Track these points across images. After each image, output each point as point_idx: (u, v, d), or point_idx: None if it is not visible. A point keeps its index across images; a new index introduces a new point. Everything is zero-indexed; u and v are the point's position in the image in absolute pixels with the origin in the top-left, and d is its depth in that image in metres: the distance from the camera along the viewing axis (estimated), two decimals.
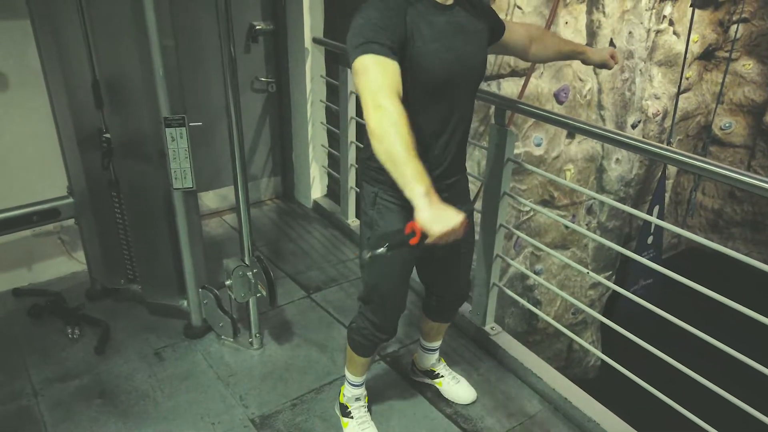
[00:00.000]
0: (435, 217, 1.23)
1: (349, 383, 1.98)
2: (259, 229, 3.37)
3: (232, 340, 2.40)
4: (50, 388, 2.15)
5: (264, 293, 2.25)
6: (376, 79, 1.32)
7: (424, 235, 1.24)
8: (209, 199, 3.47)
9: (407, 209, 1.60)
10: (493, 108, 2.35)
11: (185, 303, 2.45)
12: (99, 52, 2.15)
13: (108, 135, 2.25)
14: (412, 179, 1.24)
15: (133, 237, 2.46)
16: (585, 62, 2.05)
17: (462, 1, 1.55)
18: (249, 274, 2.23)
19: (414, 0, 1.44)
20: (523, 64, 3.17)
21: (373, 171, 1.62)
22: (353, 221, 3.31)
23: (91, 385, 2.17)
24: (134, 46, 2.09)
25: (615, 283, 4.42)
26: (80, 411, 2.05)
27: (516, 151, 3.32)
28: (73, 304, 2.55)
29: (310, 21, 3.21)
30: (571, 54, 2.02)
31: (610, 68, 2.03)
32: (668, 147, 1.73)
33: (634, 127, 3.97)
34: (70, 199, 2.49)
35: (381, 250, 1.30)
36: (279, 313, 2.61)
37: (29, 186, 2.50)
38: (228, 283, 2.24)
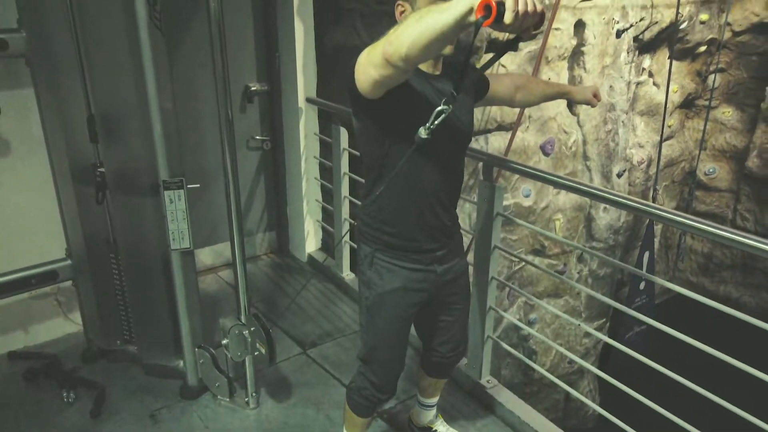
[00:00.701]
0: None
1: None
2: (255, 284, 3.39)
3: (228, 400, 2.39)
4: None
5: (263, 351, 2.26)
6: (383, 38, 1.27)
7: (500, 11, 1.09)
8: (205, 256, 3.50)
9: (405, 269, 1.65)
10: (481, 163, 2.43)
11: (181, 363, 2.45)
12: (95, 86, 2.20)
13: (102, 169, 2.29)
14: (453, 1, 1.11)
15: (131, 298, 2.48)
16: (570, 101, 2.16)
17: (449, 69, 1.64)
18: (246, 332, 2.24)
19: None
20: (509, 119, 3.28)
21: (369, 231, 1.66)
22: (348, 275, 3.34)
23: None
24: (130, 79, 2.13)
25: (609, 330, 4.43)
26: None
27: (505, 203, 3.39)
28: (69, 366, 2.55)
29: (304, 81, 3.33)
30: (555, 95, 2.12)
31: (593, 106, 2.13)
32: (653, 204, 1.79)
33: (619, 176, 4.07)
34: (69, 261, 2.52)
35: (445, 107, 1.24)
36: (275, 371, 2.61)
37: (28, 249, 2.53)
38: (225, 342, 2.25)
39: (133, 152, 2.26)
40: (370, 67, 1.32)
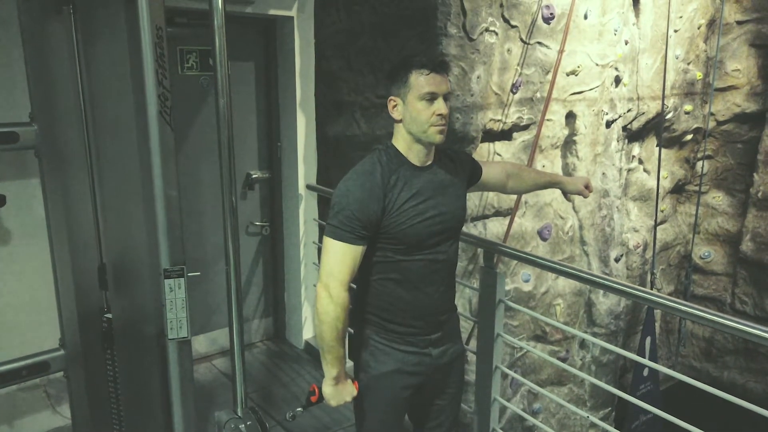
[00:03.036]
0: (335, 394, 1.64)
1: None
2: (250, 373, 3.29)
3: None
4: None
5: None
6: (337, 265, 1.55)
7: (321, 397, 1.68)
8: (199, 344, 3.43)
9: (400, 351, 1.64)
10: (482, 250, 2.45)
11: None
12: (108, 235, 2.25)
13: (109, 315, 2.29)
14: (330, 363, 1.61)
15: (123, 389, 2.40)
16: (562, 191, 2.21)
17: (442, 158, 1.70)
18: (242, 426, 2.16)
19: (396, 167, 1.60)
20: (506, 205, 3.34)
21: (364, 315, 1.67)
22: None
23: None
24: (143, 231, 2.19)
25: (615, 420, 4.29)
26: None
27: (506, 288, 3.39)
28: None
29: (304, 169, 3.41)
30: (547, 185, 2.18)
31: (585, 197, 2.18)
32: (652, 291, 1.80)
33: (617, 260, 4.09)
34: (61, 352, 2.45)
35: (299, 410, 1.72)
36: None
37: (21, 339, 2.48)
38: None
39: (142, 294, 2.28)
40: (321, 259, 1.64)
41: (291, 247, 3.57)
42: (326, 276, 1.55)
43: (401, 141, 1.65)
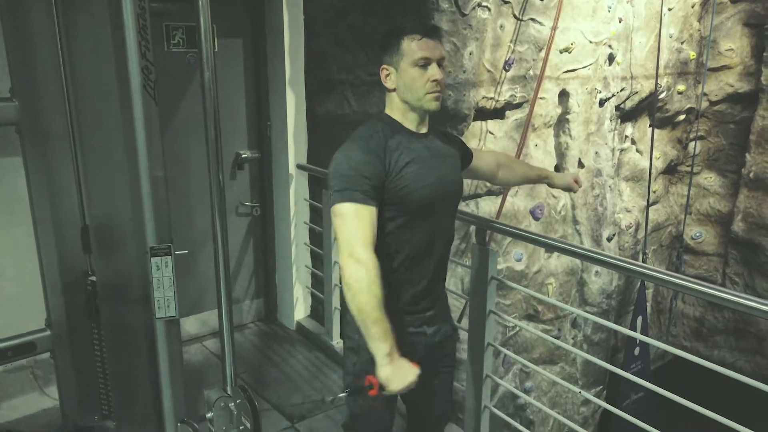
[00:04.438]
0: (394, 375, 1.40)
1: None
2: (241, 354, 3.28)
3: None
4: None
5: (248, 426, 2.15)
6: (354, 228, 1.44)
7: (381, 387, 1.43)
8: (189, 325, 3.40)
9: (394, 331, 1.61)
10: (473, 227, 2.42)
11: None
12: (91, 197, 2.19)
13: (93, 278, 2.25)
14: (378, 338, 1.40)
15: (111, 369, 2.37)
16: (550, 186, 2.19)
17: (434, 131, 1.67)
18: (231, 405, 2.14)
19: (393, 133, 1.56)
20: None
21: None
22: (338, 342, 3.25)
23: None
24: (126, 191, 2.14)
25: (606, 398, 4.31)
26: None
27: (498, 267, 3.37)
28: None
29: (295, 148, 3.37)
30: (536, 179, 2.16)
31: (574, 191, 2.16)
32: (644, 264, 1.78)
33: (609, 240, 4.09)
34: (48, 332, 2.42)
35: (342, 394, 1.50)
36: None
37: (5, 319, 2.44)
38: (209, 416, 2.14)
39: (126, 258, 2.24)
40: (337, 235, 1.50)
41: (282, 228, 3.54)
42: (347, 244, 1.43)
43: (396, 110, 1.61)
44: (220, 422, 2.14)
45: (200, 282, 3.26)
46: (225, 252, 2.14)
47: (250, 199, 3.53)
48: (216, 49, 2.97)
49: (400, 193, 1.53)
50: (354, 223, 1.44)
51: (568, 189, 2.11)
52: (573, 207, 3.75)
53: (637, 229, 4.47)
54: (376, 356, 1.41)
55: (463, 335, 2.46)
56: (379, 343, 1.40)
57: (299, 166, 3.38)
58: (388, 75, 1.59)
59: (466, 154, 1.86)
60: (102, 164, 2.20)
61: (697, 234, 5.10)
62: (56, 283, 2.35)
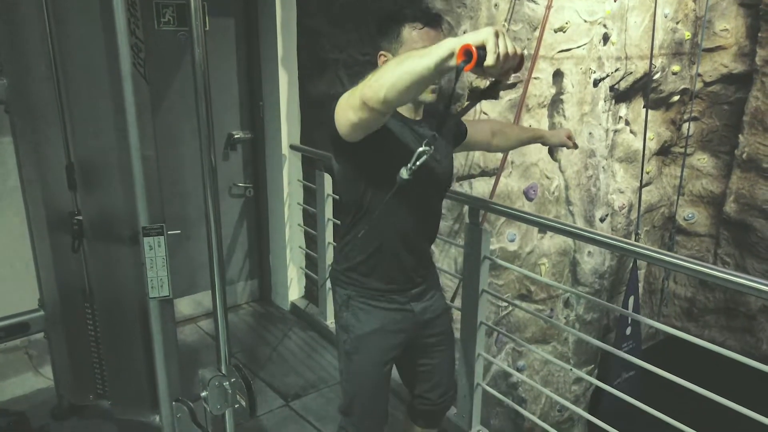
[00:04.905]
0: (481, 32, 1.08)
1: None
2: (236, 334, 3.29)
3: None
4: None
5: (243, 403, 2.17)
6: (362, 82, 1.28)
7: (480, 56, 1.07)
8: (184, 305, 3.41)
9: (382, 309, 1.62)
10: (466, 207, 2.43)
11: (157, 418, 2.33)
12: (76, 134, 2.17)
13: (80, 217, 2.23)
14: (431, 48, 1.12)
15: (105, 349, 2.38)
16: (545, 144, 2.19)
17: (428, 117, 1.66)
18: (226, 384, 2.15)
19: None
20: (492, 164, 3.31)
21: (344, 273, 1.65)
22: (332, 322, 3.27)
23: None
24: (111, 128, 2.11)
25: (597, 377, 4.36)
26: None
27: (491, 247, 3.38)
28: (37, 424, 2.41)
29: (288, 129, 3.35)
30: (531, 139, 2.17)
31: (568, 147, 2.15)
32: (636, 243, 1.79)
33: (602, 220, 4.10)
34: (41, 312, 2.42)
35: (425, 148, 1.18)
36: (256, 425, 2.50)
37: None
38: (203, 394, 2.15)
39: (112, 201, 2.22)
40: (348, 110, 1.32)
41: (275, 209, 3.53)
42: (362, 85, 1.25)
43: None
44: (215, 401, 2.16)
45: (194, 263, 3.26)
46: (218, 233, 2.14)
47: (244, 180, 3.52)
48: (207, 28, 2.93)
49: (388, 175, 1.52)
50: (361, 83, 1.29)
51: (562, 145, 2.11)
52: (566, 188, 3.75)
53: (630, 210, 4.48)
54: (446, 46, 1.09)
55: (456, 315, 2.47)
56: (433, 47, 1.12)
57: (292, 147, 3.37)
58: (385, 61, 1.56)
59: (461, 132, 1.85)
60: (93, 147, 2.18)
61: (690, 215, 5.13)
62: (49, 273, 2.34)
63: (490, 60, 1.06)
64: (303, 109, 3.37)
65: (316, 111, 3.32)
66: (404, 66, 1.15)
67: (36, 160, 2.24)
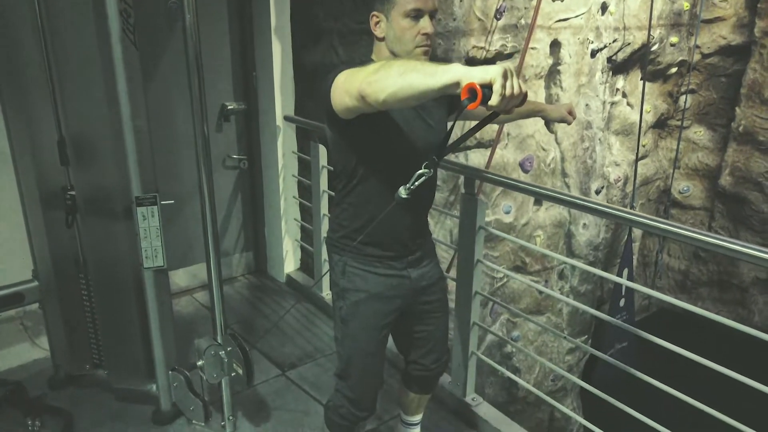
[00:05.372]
0: (485, 67, 1.08)
1: None
2: (231, 306, 3.30)
3: (203, 424, 2.29)
4: None
5: (240, 372, 2.18)
6: (365, 71, 1.30)
7: (485, 95, 1.07)
8: (179, 278, 3.41)
9: (378, 275, 1.62)
10: (462, 178, 2.42)
11: (154, 387, 2.35)
12: (66, 108, 2.14)
13: (73, 192, 2.22)
14: (439, 66, 1.13)
15: (101, 319, 2.38)
16: (545, 119, 2.16)
17: None
18: (222, 353, 2.16)
19: None
20: (488, 136, 3.29)
21: (340, 239, 1.64)
22: (327, 294, 3.28)
23: None
24: (103, 102, 2.08)
25: (590, 347, 4.41)
26: None
27: (486, 219, 3.38)
28: (35, 393, 2.42)
29: (282, 100, 3.31)
30: (530, 113, 2.13)
31: (568, 123, 2.13)
32: (632, 210, 1.79)
33: (597, 193, 4.10)
34: (35, 283, 2.41)
35: (425, 171, 1.23)
36: (252, 394, 2.52)
37: None
38: (200, 363, 2.17)
39: (105, 174, 2.20)
40: (345, 95, 1.34)
41: (270, 181, 3.51)
42: (363, 78, 1.25)
43: (383, 59, 1.58)
44: (211, 370, 2.17)
45: (189, 235, 3.25)
46: (212, 205, 2.13)
47: (238, 152, 3.49)
48: None
49: (382, 143, 1.52)
50: (362, 70, 1.32)
51: (562, 121, 2.09)
52: (562, 160, 3.74)
53: (625, 183, 4.48)
54: (455, 74, 1.09)
55: (451, 286, 2.48)
56: (442, 66, 1.12)
57: (287, 118, 3.33)
58: (378, 23, 1.55)
59: (456, 99, 1.83)
60: (84, 118, 2.15)
61: (685, 188, 5.13)
62: (40, 228, 2.33)
63: (494, 101, 1.07)
64: (297, 79, 3.33)
65: (310, 81, 3.28)
66: (408, 79, 1.15)
67: (27, 132, 2.21)
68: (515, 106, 1.12)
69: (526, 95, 1.13)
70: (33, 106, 2.17)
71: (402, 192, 1.26)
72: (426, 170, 1.24)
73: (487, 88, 1.07)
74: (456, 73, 1.09)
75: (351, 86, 1.30)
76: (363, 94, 1.24)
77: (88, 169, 2.21)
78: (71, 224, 2.24)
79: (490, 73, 1.06)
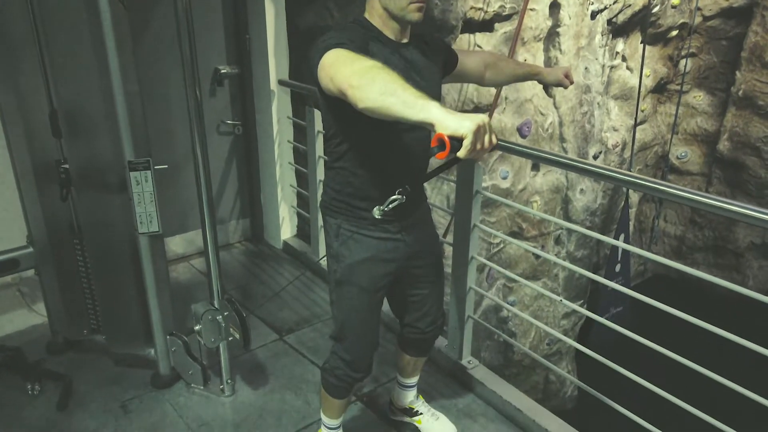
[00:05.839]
0: (461, 117, 1.09)
1: (326, 426, 1.93)
2: (229, 272, 3.30)
3: (202, 387, 2.32)
4: None
5: (237, 336, 2.19)
6: (349, 56, 1.31)
7: (455, 145, 1.09)
8: (176, 244, 3.40)
9: (373, 239, 1.61)
10: None
11: (152, 352, 2.36)
12: (57, 80, 2.10)
13: (66, 165, 2.20)
14: (419, 97, 1.15)
15: (97, 285, 2.38)
16: (541, 82, 2.12)
17: (416, 40, 1.60)
18: (219, 317, 2.17)
19: (373, 37, 1.49)
20: (486, 100, 3.24)
21: (335, 202, 1.63)
22: (324, 260, 3.28)
23: None
24: (95, 72, 2.05)
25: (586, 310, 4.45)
26: None
27: (483, 185, 3.37)
28: (33, 358, 2.44)
29: (275, 63, 3.25)
30: (526, 76, 2.09)
31: (565, 87, 2.10)
32: (630, 173, 1.77)
33: (595, 158, 4.08)
34: (30, 249, 2.40)
35: (395, 198, 1.28)
36: (250, 358, 2.54)
37: None
38: (197, 328, 2.18)
39: (99, 146, 2.17)
40: (329, 82, 1.32)
41: (265, 147, 3.47)
42: (348, 76, 1.24)
43: (376, 17, 1.53)
44: (209, 334, 2.18)
45: (185, 202, 3.23)
46: (206, 170, 2.11)
47: (232, 117, 3.45)
48: None
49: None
50: (349, 54, 1.31)
51: (558, 84, 2.05)
52: (561, 124, 3.71)
53: (623, 149, 4.46)
54: (430, 116, 1.11)
55: (448, 250, 2.48)
56: (423, 102, 1.13)
57: (281, 82, 3.28)
58: None
59: (451, 60, 1.79)
60: (73, 82, 2.10)
61: (683, 154, 5.11)
62: (33, 195, 2.31)
63: (462, 154, 1.09)
64: (291, 42, 3.26)
65: (304, 44, 3.22)
66: (387, 102, 1.16)
67: (14, 90, 2.17)
68: (482, 155, 1.14)
69: (496, 145, 1.16)
70: (22, 77, 2.13)
71: (376, 212, 1.30)
72: (399, 197, 1.28)
73: (457, 140, 1.08)
74: (431, 115, 1.11)
75: (335, 78, 1.29)
76: (346, 92, 1.24)
77: (81, 142, 2.18)
78: (66, 197, 2.22)
79: (464, 128, 1.07)
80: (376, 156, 1.56)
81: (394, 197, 1.27)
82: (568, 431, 2.06)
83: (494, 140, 1.13)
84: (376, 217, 1.28)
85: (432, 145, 1.12)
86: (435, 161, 1.23)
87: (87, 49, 2.03)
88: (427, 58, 1.63)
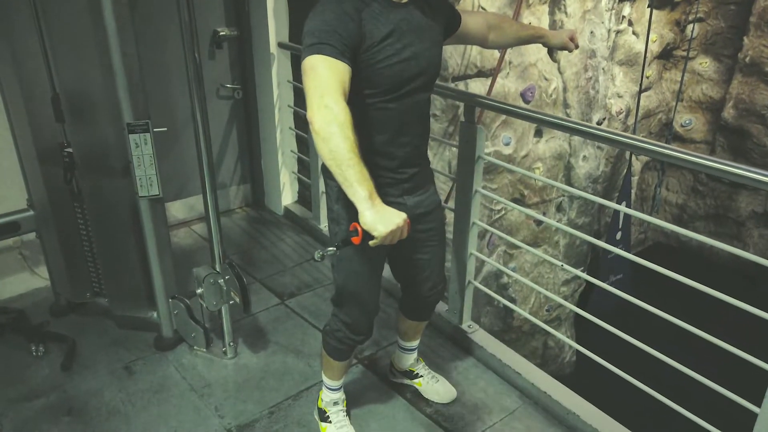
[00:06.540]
0: (378, 219, 1.28)
1: (327, 388, 1.95)
2: (230, 238, 3.31)
3: (205, 350, 2.34)
4: (15, 408, 2.06)
5: (237, 300, 2.21)
6: (324, 79, 1.33)
7: (367, 236, 1.30)
8: (177, 210, 3.40)
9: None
10: (462, 106, 2.36)
11: (155, 314, 2.38)
12: (58, 64, 2.08)
13: (70, 149, 2.18)
14: (356, 182, 1.28)
15: (99, 249, 2.38)
16: (545, 45, 2.09)
17: (416, 0, 1.56)
18: (221, 281, 2.18)
19: (369, 0, 1.45)
20: (489, 64, 3.20)
21: None
22: (325, 226, 3.28)
23: (58, 403, 2.08)
24: (96, 56, 2.02)
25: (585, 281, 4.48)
26: (48, 430, 1.97)
27: (486, 151, 3.35)
28: (37, 321, 2.46)
29: (275, 26, 3.19)
30: (530, 38, 2.05)
31: (570, 50, 2.06)
32: (635, 136, 1.75)
33: (599, 124, 4.04)
34: (31, 212, 2.40)
35: (330, 249, 1.37)
36: (253, 322, 2.56)
37: None
38: (199, 291, 2.19)
39: (102, 127, 2.15)
40: (304, 88, 1.35)
41: (265, 112, 3.43)
42: (317, 96, 1.30)
43: None
44: (211, 297, 2.20)
45: (186, 167, 3.21)
46: (206, 134, 2.08)
47: (231, 81, 3.40)
48: None
49: (373, 67, 1.45)
50: (324, 74, 1.33)
51: (563, 48, 2.01)
52: (564, 90, 3.66)
53: (627, 116, 4.41)
54: (356, 202, 1.29)
55: (450, 216, 2.48)
56: (357, 186, 1.28)
57: (281, 45, 3.22)
58: None
59: (453, 20, 1.75)
60: (71, 47, 2.06)
61: (687, 121, 5.06)
62: (33, 160, 2.30)
63: (372, 243, 1.30)
64: (291, 3, 3.20)
65: (305, 5, 3.15)
66: (333, 166, 1.28)
67: (12, 58, 2.13)
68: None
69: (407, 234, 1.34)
70: (24, 60, 2.10)
71: (316, 255, 1.36)
72: (333, 249, 1.38)
73: (370, 235, 1.29)
74: (358, 205, 1.29)
75: (306, 94, 1.34)
76: (312, 121, 1.30)
77: (83, 125, 2.16)
78: (70, 181, 2.21)
79: (377, 231, 1.28)
80: (376, 121, 1.53)
81: (330, 248, 1.37)
82: (565, 393, 2.08)
83: (404, 235, 1.33)
84: (316, 259, 1.36)
85: (350, 228, 1.34)
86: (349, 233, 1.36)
87: (87, 24, 1.99)
88: (429, 18, 1.59)
